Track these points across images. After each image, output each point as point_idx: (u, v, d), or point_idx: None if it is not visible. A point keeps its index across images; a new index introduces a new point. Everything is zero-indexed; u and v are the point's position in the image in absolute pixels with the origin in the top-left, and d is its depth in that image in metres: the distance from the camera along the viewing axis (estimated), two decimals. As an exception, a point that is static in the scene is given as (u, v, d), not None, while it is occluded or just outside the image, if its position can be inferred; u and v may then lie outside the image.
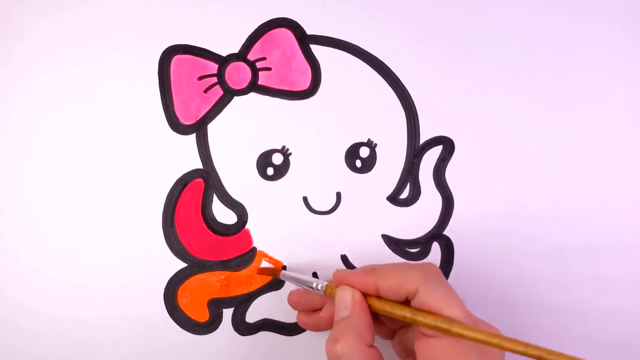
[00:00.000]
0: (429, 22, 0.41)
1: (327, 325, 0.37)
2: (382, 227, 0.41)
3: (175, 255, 0.41)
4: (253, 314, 0.41)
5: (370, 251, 0.41)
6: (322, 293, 0.35)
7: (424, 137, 0.41)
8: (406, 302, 0.32)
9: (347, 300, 0.33)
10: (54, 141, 0.40)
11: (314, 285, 0.36)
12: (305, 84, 0.41)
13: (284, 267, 0.41)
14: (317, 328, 0.38)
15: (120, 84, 0.40)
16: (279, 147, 0.41)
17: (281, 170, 0.41)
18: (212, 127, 0.41)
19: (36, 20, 0.40)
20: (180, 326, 0.41)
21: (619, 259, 0.42)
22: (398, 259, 0.41)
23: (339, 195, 0.41)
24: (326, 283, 0.36)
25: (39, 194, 0.40)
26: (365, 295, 0.33)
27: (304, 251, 0.41)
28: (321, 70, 0.41)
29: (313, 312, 0.38)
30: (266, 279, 0.41)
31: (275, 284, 0.41)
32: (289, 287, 0.41)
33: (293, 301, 0.39)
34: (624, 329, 0.42)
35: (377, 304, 0.33)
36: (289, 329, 0.41)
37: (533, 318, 0.42)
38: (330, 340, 0.32)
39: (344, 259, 0.41)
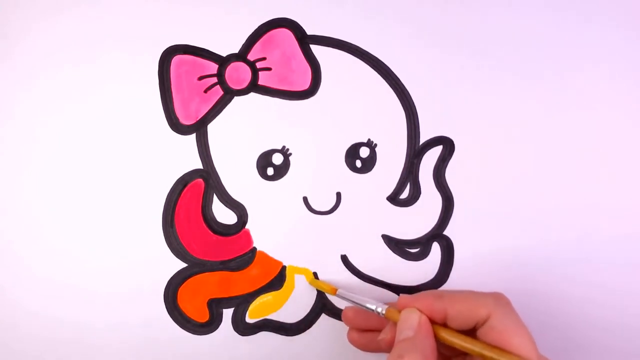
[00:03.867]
0: (429, 22, 0.41)
1: (387, 347, 0.35)
2: (382, 227, 0.41)
3: (175, 256, 0.41)
4: (253, 314, 0.41)
5: (370, 251, 0.41)
6: (382, 316, 0.35)
7: (424, 137, 0.41)
8: (473, 329, 0.32)
9: (413, 321, 0.33)
10: (54, 141, 0.40)
11: (374, 308, 0.36)
12: (305, 84, 0.41)
13: (315, 274, 0.41)
14: (369, 348, 0.38)
15: (120, 84, 0.40)
16: (279, 147, 0.41)
17: (281, 170, 0.41)
18: (212, 127, 0.41)
19: (36, 20, 0.40)
20: (180, 326, 0.41)
21: (619, 258, 0.42)
22: (398, 259, 0.41)
23: (339, 195, 0.41)
24: (386, 307, 0.35)
25: (39, 194, 0.40)
26: (431, 321, 0.33)
27: (304, 251, 0.41)
28: (321, 70, 0.41)
29: (365, 332, 0.38)
30: (266, 279, 0.41)
31: (275, 284, 0.41)
32: (289, 286, 0.41)
33: (348, 318, 0.39)
34: (624, 326, 0.42)
35: (445, 335, 0.33)
36: (289, 329, 0.41)
37: (533, 318, 0.42)
38: (394, 357, 0.31)
39: (344, 259, 0.41)
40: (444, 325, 0.33)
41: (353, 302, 0.37)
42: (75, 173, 0.40)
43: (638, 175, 0.42)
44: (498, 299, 0.33)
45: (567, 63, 0.41)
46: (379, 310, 0.35)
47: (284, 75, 0.41)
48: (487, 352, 0.31)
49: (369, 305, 0.36)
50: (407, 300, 0.34)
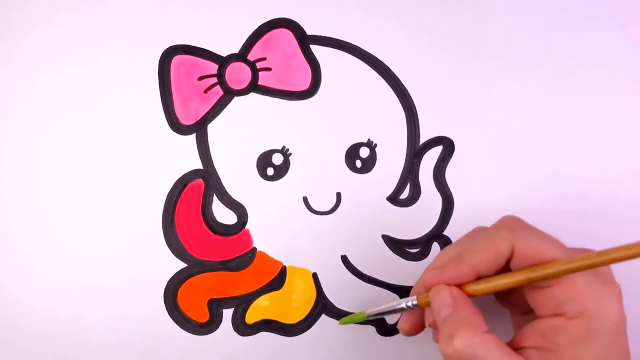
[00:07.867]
0: (430, 22, 0.41)
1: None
2: (382, 227, 0.41)
3: (175, 256, 0.41)
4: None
5: (370, 251, 0.41)
6: (417, 308, 0.34)
7: (424, 137, 0.41)
8: (506, 265, 0.31)
9: (445, 299, 0.31)
10: (54, 142, 0.40)
11: (403, 306, 0.35)
12: (305, 84, 0.41)
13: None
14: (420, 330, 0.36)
15: (120, 84, 0.40)
16: (279, 147, 0.41)
17: (281, 171, 0.41)
18: (212, 127, 0.41)
19: (36, 21, 0.40)
20: (180, 326, 0.41)
21: (619, 259, 0.42)
22: (398, 259, 0.41)
23: (339, 195, 0.41)
24: (415, 297, 0.34)
25: (39, 194, 0.40)
26: (461, 286, 0.32)
27: (304, 251, 0.41)
28: (321, 70, 0.41)
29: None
30: (266, 279, 0.41)
31: (275, 284, 0.41)
32: (289, 286, 0.41)
33: (407, 330, 0.37)
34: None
35: (481, 287, 0.31)
36: (289, 329, 0.41)
37: (533, 318, 0.42)
38: (445, 340, 0.30)
39: (344, 259, 0.41)
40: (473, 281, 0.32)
41: (384, 313, 0.36)
42: (75, 173, 0.40)
43: (638, 175, 0.42)
44: (510, 225, 0.32)
45: (567, 63, 0.41)
46: (410, 304, 0.34)
47: (284, 75, 0.41)
48: (532, 274, 0.30)
49: (401, 306, 0.35)
50: (432, 278, 0.33)
